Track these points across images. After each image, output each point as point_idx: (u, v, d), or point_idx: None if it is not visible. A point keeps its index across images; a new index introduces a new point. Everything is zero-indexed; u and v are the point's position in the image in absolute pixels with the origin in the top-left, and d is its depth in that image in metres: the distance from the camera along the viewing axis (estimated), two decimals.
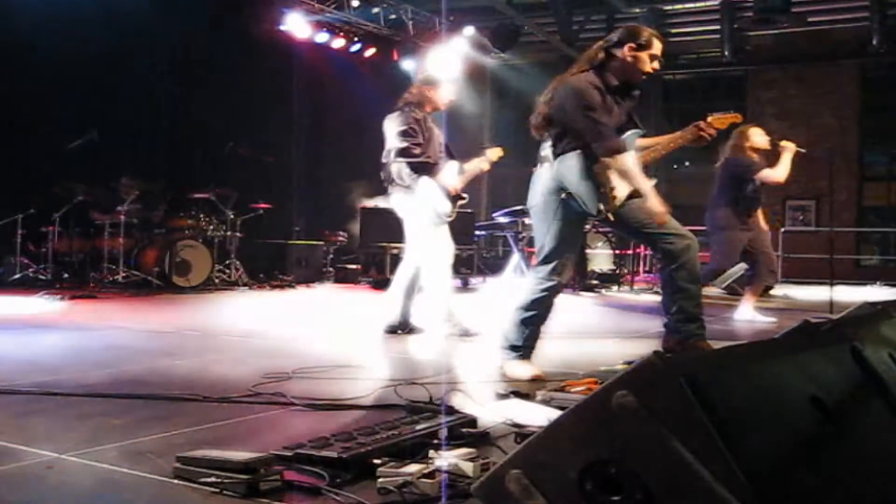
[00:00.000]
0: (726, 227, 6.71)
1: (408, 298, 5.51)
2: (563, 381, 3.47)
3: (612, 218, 3.73)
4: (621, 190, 3.72)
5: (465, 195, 5.59)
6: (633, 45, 3.80)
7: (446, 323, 5.36)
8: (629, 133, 3.90)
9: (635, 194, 3.79)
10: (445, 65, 12.86)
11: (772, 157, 6.79)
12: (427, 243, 5.42)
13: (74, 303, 7.42)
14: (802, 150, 6.60)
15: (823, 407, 1.65)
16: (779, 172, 6.55)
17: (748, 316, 6.98)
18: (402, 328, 5.48)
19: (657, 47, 3.84)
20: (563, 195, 3.71)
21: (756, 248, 6.79)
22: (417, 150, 5.32)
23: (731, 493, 1.35)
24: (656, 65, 3.85)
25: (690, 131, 4.01)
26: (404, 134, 5.33)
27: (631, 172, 3.70)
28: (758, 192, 6.74)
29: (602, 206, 3.68)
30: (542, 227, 3.84)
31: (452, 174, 5.49)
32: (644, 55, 3.81)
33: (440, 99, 5.56)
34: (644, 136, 3.98)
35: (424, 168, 5.35)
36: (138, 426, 2.75)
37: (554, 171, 3.76)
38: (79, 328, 5.63)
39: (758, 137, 6.69)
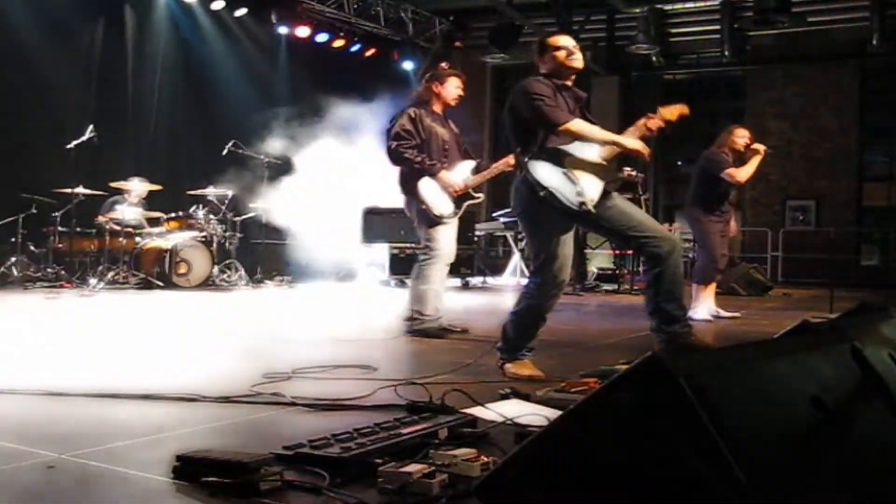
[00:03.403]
0: (701, 218, 6.99)
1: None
2: (563, 381, 3.47)
3: (593, 210, 3.79)
4: (592, 188, 3.82)
5: (477, 195, 5.60)
6: (537, 56, 4.04)
7: (432, 319, 5.41)
8: None
9: (609, 189, 3.92)
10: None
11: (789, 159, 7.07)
12: (427, 243, 5.47)
13: (74, 303, 7.42)
14: (770, 151, 7.07)
15: (823, 407, 1.65)
16: (741, 173, 6.84)
17: (706, 314, 7.01)
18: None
19: (564, 41, 4.02)
20: (542, 193, 3.76)
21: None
22: (409, 154, 5.36)
23: (731, 493, 1.35)
24: (574, 56, 4.01)
25: (639, 125, 4.10)
26: (396, 138, 5.38)
27: (592, 132, 3.84)
28: (728, 191, 7.03)
29: (581, 200, 3.76)
30: (532, 232, 3.91)
31: (459, 174, 5.50)
32: (558, 54, 3.98)
33: (448, 94, 5.56)
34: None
35: (420, 169, 5.38)
36: (138, 426, 2.74)
37: (530, 176, 3.81)
38: (79, 328, 5.62)
39: (738, 138, 6.99)
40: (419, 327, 5.37)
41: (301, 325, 6.35)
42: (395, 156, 5.39)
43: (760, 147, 6.94)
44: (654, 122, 4.04)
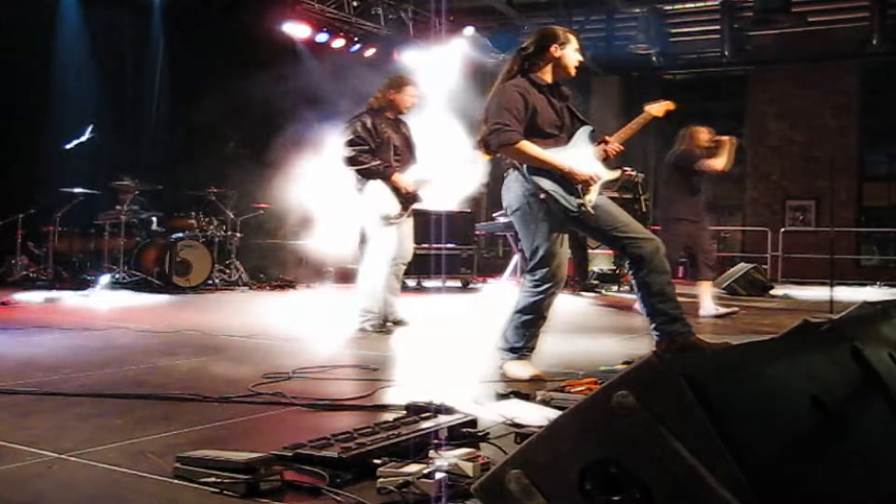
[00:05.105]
0: (681, 218, 7.16)
1: (390, 294, 5.77)
2: (563, 381, 3.47)
3: (592, 212, 3.80)
4: (591, 191, 3.84)
5: (421, 196, 5.73)
6: (555, 45, 3.95)
7: (372, 318, 5.57)
8: (580, 130, 4.00)
9: (602, 191, 3.94)
10: (443, 65, 12.92)
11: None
12: (372, 242, 5.65)
13: (74, 303, 7.42)
14: (736, 141, 7.33)
15: (823, 407, 1.65)
16: (718, 162, 7.11)
17: (711, 311, 7.03)
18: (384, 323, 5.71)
19: (575, 42, 4.01)
20: (542, 196, 3.77)
21: (697, 244, 7.20)
22: (363, 158, 5.54)
23: (731, 494, 1.35)
24: (579, 58, 4.02)
25: (636, 121, 4.17)
26: (350, 144, 5.59)
27: (541, 156, 3.77)
28: (699, 186, 7.29)
29: (580, 202, 3.76)
30: (528, 231, 3.89)
31: (410, 177, 5.65)
32: (570, 57, 3.97)
33: (402, 102, 5.75)
34: (594, 131, 4.04)
35: (374, 173, 5.56)
36: (138, 426, 2.75)
37: (526, 177, 3.80)
38: (78, 328, 5.63)
39: (702, 135, 7.28)
40: (367, 324, 5.57)
41: (301, 325, 6.34)
42: (350, 161, 5.59)
43: (725, 138, 7.17)
44: (612, 150, 4.03)
